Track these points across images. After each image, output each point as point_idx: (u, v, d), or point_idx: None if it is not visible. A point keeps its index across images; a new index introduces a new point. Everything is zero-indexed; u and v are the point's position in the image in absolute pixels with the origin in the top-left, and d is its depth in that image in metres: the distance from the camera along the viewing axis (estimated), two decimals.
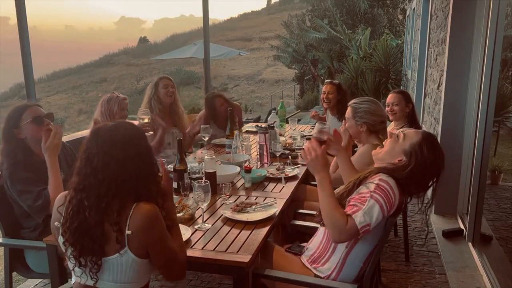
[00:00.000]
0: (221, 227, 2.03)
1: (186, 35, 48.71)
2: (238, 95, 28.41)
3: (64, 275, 1.99)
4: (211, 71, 5.61)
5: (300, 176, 2.80)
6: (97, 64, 45.20)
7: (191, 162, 2.82)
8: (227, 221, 2.09)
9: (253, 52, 36.87)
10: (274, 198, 2.36)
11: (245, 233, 1.96)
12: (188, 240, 1.87)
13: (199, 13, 5.27)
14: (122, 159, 1.44)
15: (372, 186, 1.77)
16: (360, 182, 1.87)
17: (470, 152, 3.62)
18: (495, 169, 5.09)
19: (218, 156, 3.12)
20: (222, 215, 2.15)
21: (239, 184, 2.69)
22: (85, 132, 3.43)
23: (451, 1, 3.73)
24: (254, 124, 4.71)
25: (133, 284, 1.50)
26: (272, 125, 3.41)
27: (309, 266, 1.97)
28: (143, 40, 51.95)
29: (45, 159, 2.21)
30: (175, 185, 2.48)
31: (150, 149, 1.55)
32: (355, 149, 2.88)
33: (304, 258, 2.02)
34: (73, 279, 1.55)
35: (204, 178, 2.37)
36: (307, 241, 2.14)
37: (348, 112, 2.70)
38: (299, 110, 15.59)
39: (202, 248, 1.82)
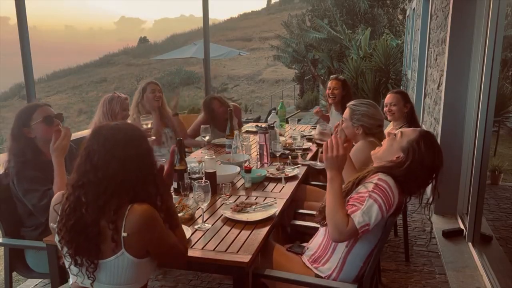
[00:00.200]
0: (221, 227, 2.03)
1: (186, 35, 48.76)
2: (238, 95, 28.42)
3: (64, 275, 1.98)
4: (211, 71, 5.61)
5: (300, 176, 2.80)
6: (97, 64, 45.23)
7: (191, 162, 2.82)
8: (227, 221, 2.09)
9: (253, 52, 36.90)
10: (274, 198, 2.36)
11: (245, 233, 1.96)
12: (188, 240, 1.86)
13: (199, 13, 5.27)
14: (123, 158, 1.44)
15: (370, 186, 1.78)
16: (359, 182, 1.88)
17: (470, 152, 3.62)
18: (495, 169, 5.09)
19: (218, 156, 3.12)
20: (222, 215, 2.15)
21: (239, 184, 2.69)
22: (85, 132, 3.43)
23: (451, 1, 3.73)
24: (254, 124, 4.70)
25: (131, 285, 1.50)
26: (272, 125, 3.41)
27: (309, 265, 1.97)
28: (143, 40, 51.98)
29: (52, 159, 2.22)
30: (175, 185, 2.49)
31: (150, 151, 1.56)
32: None
33: (305, 258, 2.02)
34: (71, 280, 1.55)
35: (204, 178, 2.37)
36: (307, 241, 2.14)
37: (346, 113, 2.71)
38: (299, 110, 15.60)
39: (202, 248, 1.82)
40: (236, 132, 3.26)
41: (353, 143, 2.82)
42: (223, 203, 2.30)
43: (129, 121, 3.05)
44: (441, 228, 3.60)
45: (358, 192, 1.82)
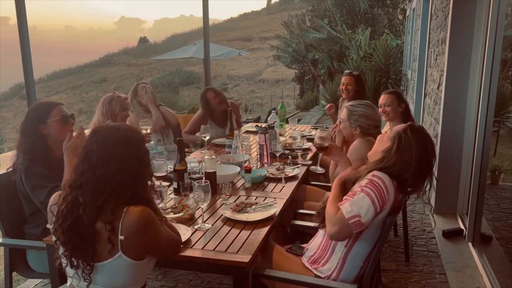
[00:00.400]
0: (221, 227, 2.03)
1: (186, 35, 48.76)
2: (238, 95, 28.42)
3: (64, 275, 1.99)
4: (211, 71, 5.61)
5: (300, 176, 2.80)
6: (97, 64, 45.23)
7: (191, 162, 2.82)
8: (227, 221, 2.09)
9: (253, 52, 36.90)
10: (274, 198, 2.36)
11: (245, 233, 1.96)
12: (188, 240, 1.86)
13: (199, 13, 5.27)
14: (121, 158, 1.44)
15: (364, 182, 1.81)
16: (355, 181, 1.90)
17: (470, 152, 3.62)
18: (495, 169, 5.09)
19: (218, 156, 3.12)
20: (222, 215, 2.15)
21: (239, 184, 2.69)
22: (85, 132, 3.43)
23: (451, 1, 3.73)
24: (254, 124, 4.70)
25: (129, 287, 1.50)
26: (272, 125, 3.41)
27: (309, 266, 1.98)
28: (143, 40, 51.96)
29: (61, 158, 2.23)
30: (175, 185, 2.49)
31: (148, 154, 1.57)
32: None
33: (305, 259, 2.02)
34: (68, 282, 1.55)
35: (204, 178, 2.37)
36: (307, 241, 2.14)
37: (344, 113, 2.75)
38: (299, 110, 15.59)
39: (202, 248, 1.82)
40: (236, 132, 3.26)
41: (350, 143, 2.84)
42: (223, 203, 2.30)
43: (148, 130, 3.03)
44: (441, 228, 3.60)
45: (352, 189, 1.85)
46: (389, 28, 16.92)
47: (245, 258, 1.72)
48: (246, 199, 2.40)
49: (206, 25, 5.36)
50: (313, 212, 2.53)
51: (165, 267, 2.94)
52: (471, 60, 3.65)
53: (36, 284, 2.97)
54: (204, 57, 5.62)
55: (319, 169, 2.80)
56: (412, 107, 5.11)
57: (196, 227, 2.01)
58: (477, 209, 3.22)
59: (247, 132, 4.23)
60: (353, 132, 2.70)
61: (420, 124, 4.43)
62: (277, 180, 2.72)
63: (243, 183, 2.63)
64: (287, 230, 2.58)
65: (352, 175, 1.97)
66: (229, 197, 2.40)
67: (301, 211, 2.60)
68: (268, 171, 2.82)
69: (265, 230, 1.98)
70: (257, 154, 3.13)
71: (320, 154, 2.69)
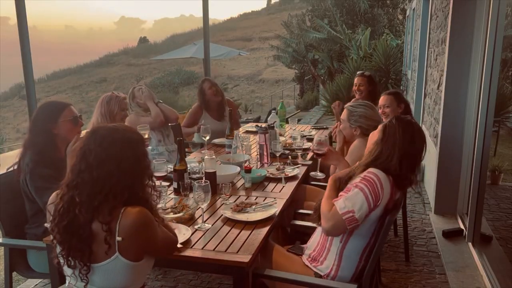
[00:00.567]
0: (221, 227, 2.03)
1: (186, 35, 48.74)
2: (238, 95, 28.42)
3: (64, 275, 1.99)
4: (211, 71, 5.61)
5: (300, 176, 2.81)
6: (97, 64, 45.22)
7: (191, 162, 2.82)
8: (227, 221, 2.09)
9: (253, 52, 36.89)
10: (274, 198, 2.36)
11: (245, 233, 1.96)
12: (188, 240, 1.87)
13: (199, 13, 5.28)
14: (119, 158, 1.44)
15: (358, 178, 1.84)
16: (348, 179, 1.95)
17: (470, 152, 3.62)
18: (495, 169, 5.08)
19: (218, 156, 3.12)
20: (222, 215, 2.15)
21: (239, 184, 2.69)
22: (84, 133, 3.43)
23: (451, 1, 3.73)
24: (254, 124, 4.71)
25: None
26: (272, 125, 3.41)
27: (309, 264, 1.99)
28: (143, 40, 51.95)
29: (64, 158, 2.24)
30: (175, 185, 2.49)
31: (146, 154, 1.56)
32: None
33: (305, 257, 2.04)
34: (67, 282, 1.55)
35: (204, 178, 2.37)
36: (307, 241, 2.15)
37: (344, 114, 2.77)
38: (299, 110, 15.60)
39: (202, 248, 1.82)
40: (236, 132, 3.27)
41: (351, 143, 2.86)
42: (223, 203, 2.31)
43: (146, 136, 3.02)
44: (441, 228, 3.60)
45: (347, 187, 1.88)
46: (389, 28, 16.91)
47: (245, 258, 1.72)
48: (246, 199, 2.40)
49: (206, 25, 5.36)
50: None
51: (165, 267, 2.94)
52: (471, 60, 3.65)
53: (36, 284, 2.97)
54: (204, 57, 5.62)
55: (319, 175, 2.80)
56: (412, 107, 5.09)
57: (196, 227, 2.01)
58: (477, 209, 3.22)
59: (247, 132, 4.23)
60: (353, 133, 2.73)
61: (420, 124, 4.42)
62: (277, 180, 2.72)
63: (243, 183, 2.63)
64: (287, 230, 2.58)
65: (345, 172, 2.00)
66: (229, 197, 2.40)
67: (301, 211, 2.60)
68: (268, 171, 2.82)
69: (265, 230, 1.98)
70: (257, 154, 3.13)
71: (319, 160, 2.70)
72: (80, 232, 1.40)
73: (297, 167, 2.90)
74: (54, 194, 1.55)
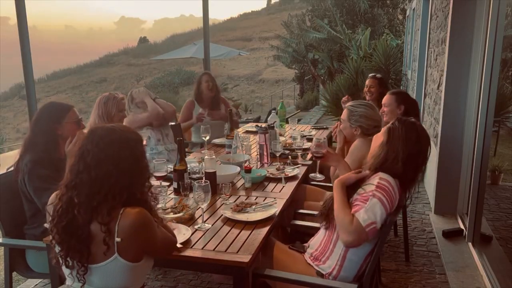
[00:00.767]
0: (221, 227, 2.03)
1: (186, 35, 48.72)
2: (238, 95, 28.41)
3: (64, 275, 1.99)
4: (211, 71, 5.61)
5: (300, 176, 2.80)
6: (97, 64, 45.22)
7: (191, 162, 2.82)
8: (227, 221, 2.09)
9: (253, 52, 36.88)
10: (274, 198, 2.36)
11: (245, 233, 1.96)
12: (188, 240, 1.87)
13: (199, 13, 5.28)
14: (117, 158, 1.44)
15: (373, 186, 1.81)
16: (357, 183, 1.91)
17: (470, 152, 3.62)
18: (495, 169, 5.08)
19: (218, 156, 3.12)
20: (222, 215, 2.15)
21: (239, 184, 2.69)
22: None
23: (451, 1, 3.73)
24: (254, 124, 4.71)
25: None
26: (272, 125, 3.41)
27: (311, 263, 1.99)
28: (143, 40, 51.94)
29: (66, 157, 2.26)
30: (175, 185, 2.49)
31: (145, 155, 1.56)
32: None
33: (306, 255, 2.04)
34: (66, 282, 1.55)
35: (204, 178, 2.37)
36: (307, 241, 2.15)
37: (344, 114, 2.76)
38: (299, 110, 15.60)
39: (202, 248, 1.82)
40: (236, 132, 3.27)
41: (351, 143, 2.86)
42: (223, 203, 2.30)
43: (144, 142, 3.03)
44: (441, 228, 3.60)
45: (360, 193, 1.85)
46: (389, 28, 16.91)
47: (245, 258, 1.72)
48: (246, 199, 2.39)
49: (206, 25, 5.36)
50: (313, 212, 2.53)
51: (165, 267, 2.94)
52: (471, 60, 3.65)
53: (36, 284, 2.97)
54: (204, 57, 5.62)
55: (318, 176, 2.80)
56: None
57: (196, 227, 2.01)
58: (477, 209, 3.22)
59: (247, 132, 4.23)
60: (354, 133, 2.73)
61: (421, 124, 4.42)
62: (277, 180, 2.72)
63: (243, 183, 2.63)
64: (287, 230, 2.58)
65: (352, 177, 1.97)
66: (229, 197, 2.40)
67: (301, 211, 2.60)
68: (268, 171, 2.82)
69: (265, 230, 1.98)
70: (257, 154, 3.13)
71: (319, 161, 2.70)
72: (79, 232, 1.40)
73: (297, 167, 2.90)
74: (53, 194, 1.55)
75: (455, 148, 3.84)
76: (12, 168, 2.33)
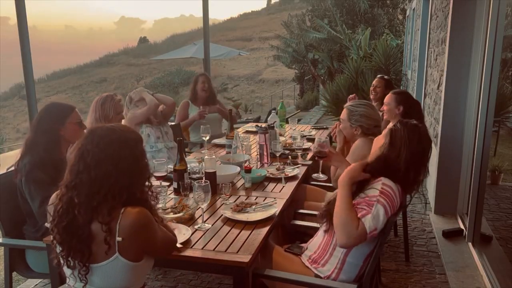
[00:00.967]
0: (221, 227, 2.03)
1: (186, 35, 48.72)
2: (238, 95, 28.41)
3: (64, 276, 1.99)
4: (211, 71, 5.61)
5: (300, 176, 2.80)
6: (97, 64, 45.22)
7: (191, 162, 2.82)
8: (227, 221, 2.09)
9: (253, 52, 36.87)
10: (274, 198, 2.36)
11: (245, 233, 1.96)
12: (188, 240, 1.87)
13: (199, 13, 5.28)
14: (117, 158, 1.44)
15: (377, 191, 1.79)
16: (361, 185, 1.89)
17: (470, 152, 3.62)
18: (495, 169, 5.08)
19: (218, 156, 3.12)
20: (222, 215, 2.15)
21: (239, 184, 2.69)
22: None
23: (451, 1, 3.73)
24: (254, 124, 4.71)
25: None
26: (272, 125, 3.41)
27: (309, 265, 1.98)
28: (143, 40, 51.94)
29: (65, 158, 2.26)
30: (175, 185, 2.49)
31: (145, 155, 1.56)
32: None
33: (304, 258, 2.03)
34: (67, 282, 1.55)
35: (204, 178, 2.37)
36: (307, 241, 2.14)
37: (344, 114, 2.75)
38: (299, 110, 15.59)
39: (202, 248, 1.82)
40: (236, 132, 3.27)
41: (351, 143, 2.85)
42: (223, 203, 2.30)
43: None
44: (441, 228, 3.60)
45: (363, 196, 1.82)
46: (389, 28, 16.91)
47: (245, 258, 1.72)
48: (246, 199, 2.40)
49: (206, 25, 5.36)
50: (313, 212, 2.53)
51: (165, 267, 2.94)
52: (471, 60, 3.64)
53: (36, 284, 2.97)
54: (204, 57, 5.63)
55: (321, 177, 2.80)
56: None
57: (196, 227, 2.01)
58: (477, 209, 3.22)
59: (247, 132, 4.23)
60: (354, 132, 2.72)
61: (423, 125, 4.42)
62: (277, 180, 2.72)
63: (243, 183, 2.63)
64: (287, 230, 2.58)
65: (358, 168, 1.91)
66: (229, 197, 2.40)
67: (301, 211, 2.60)
68: (268, 171, 2.82)
69: (265, 230, 1.98)
70: (257, 154, 3.13)
71: (321, 161, 2.69)
72: (79, 232, 1.40)
73: (297, 167, 2.90)
74: (54, 195, 1.55)
75: (455, 148, 3.84)
76: (12, 168, 2.33)
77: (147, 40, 52.02)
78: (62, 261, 1.47)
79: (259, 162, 3.07)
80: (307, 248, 2.07)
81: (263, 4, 74.62)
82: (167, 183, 2.57)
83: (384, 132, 1.96)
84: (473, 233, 3.30)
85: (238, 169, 2.71)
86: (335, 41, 15.14)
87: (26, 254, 2.37)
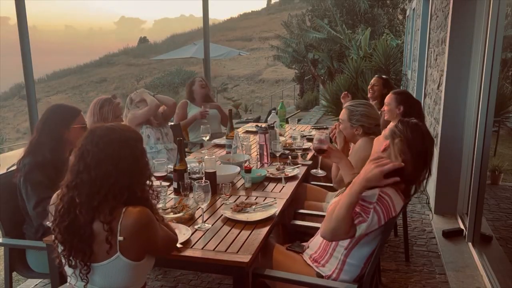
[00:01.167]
0: (221, 227, 2.03)
1: (186, 35, 48.74)
2: (238, 95, 28.43)
3: (64, 275, 1.99)
4: (211, 71, 5.62)
5: (300, 176, 2.80)
6: (97, 64, 45.23)
7: (191, 162, 2.82)
8: (227, 221, 2.09)
9: (253, 52, 36.89)
10: (274, 198, 2.36)
11: (245, 233, 1.96)
12: (188, 240, 1.87)
13: (199, 13, 5.29)
14: (117, 157, 1.44)
15: (374, 197, 1.74)
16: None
17: (470, 152, 3.62)
18: (495, 169, 5.08)
19: (218, 156, 3.12)
20: (222, 215, 2.15)
21: (239, 184, 2.69)
22: None
23: (451, 1, 3.73)
24: (254, 124, 4.71)
25: None
26: (272, 125, 3.41)
27: (311, 263, 1.98)
28: (143, 40, 51.97)
29: (67, 158, 2.24)
30: (175, 185, 2.49)
31: (145, 154, 1.56)
32: None
33: (306, 256, 2.03)
34: (68, 281, 1.55)
35: (204, 178, 2.37)
36: (307, 241, 2.14)
37: (343, 114, 2.74)
38: (299, 110, 15.59)
39: (202, 248, 1.82)
40: (236, 132, 3.27)
41: (351, 143, 2.84)
42: (223, 203, 2.30)
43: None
44: (441, 228, 3.60)
45: (361, 197, 1.75)
46: (389, 28, 16.91)
47: (245, 258, 1.72)
48: (246, 199, 2.40)
49: (206, 25, 5.37)
50: (314, 212, 2.54)
51: (165, 267, 2.94)
52: (471, 60, 3.64)
53: (36, 284, 2.97)
54: (204, 57, 5.63)
55: (319, 172, 2.80)
56: None
57: (196, 227, 2.01)
58: (477, 209, 3.22)
59: (247, 132, 4.23)
60: (355, 133, 2.70)
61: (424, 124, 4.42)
62: (277, 180, 2.72)
63: (243, 183, 2.63)
64: (288, 230, 2.57)
65: (378, 173, 1.81)
66: (229, 197, 2.40)
67: (301, 211, 2.60)
68: (268, 171, 2.82)
69: (265, 230, 1.98)
70: (257, 154, 3.13)
71: (320, 157, 2.68)
72: (81, 232, 1.41)
73: (297, 167, 2.90)
74: (54, 195, 1.55)
75: (455, 148, 3.84)
76: (12, 168, 2.33)
77: (147, 40, 52.04)
78: (63, 261, 1.47)
79: (259, 162, 3.07)
80: (308, 247, 2.07)
81: (263, 4, 74.64)
82: (167, 183, 2.57)
83: (384, 132, 1.94)
84: (473, 233, 3.30)
85: (238, 169, 2.71)
86: (335, 41, 15.14)
87: (26, 254, 2.37)
